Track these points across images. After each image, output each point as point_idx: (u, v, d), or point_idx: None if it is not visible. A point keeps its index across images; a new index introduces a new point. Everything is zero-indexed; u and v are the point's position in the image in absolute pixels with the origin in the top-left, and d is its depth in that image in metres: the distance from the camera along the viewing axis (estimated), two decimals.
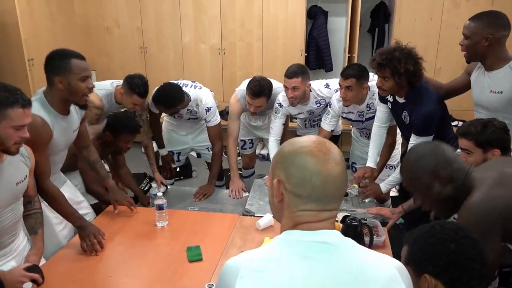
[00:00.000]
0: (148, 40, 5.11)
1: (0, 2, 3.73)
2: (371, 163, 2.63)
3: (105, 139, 2.58)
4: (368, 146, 2.93)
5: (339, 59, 5.23)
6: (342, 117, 2.91)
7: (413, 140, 2.31)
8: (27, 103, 1.55)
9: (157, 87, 2.83)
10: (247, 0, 4.79)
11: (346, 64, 4.64)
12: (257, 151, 4.34)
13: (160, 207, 2.23)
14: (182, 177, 4.48)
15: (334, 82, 2.92)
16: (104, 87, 2.88)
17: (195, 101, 2.92)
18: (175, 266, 1.89)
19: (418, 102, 2.27)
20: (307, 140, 0.95)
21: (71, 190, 2.37)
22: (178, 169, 4.40)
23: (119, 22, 5.09)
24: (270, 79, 2.99)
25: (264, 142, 4.86)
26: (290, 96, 2.77)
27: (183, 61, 5.14)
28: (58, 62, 1.88)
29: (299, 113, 3.03)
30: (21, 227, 1.84)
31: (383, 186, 2.49)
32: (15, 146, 1.57)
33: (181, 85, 2.88)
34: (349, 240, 0.94)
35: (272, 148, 3.00)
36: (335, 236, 0.93)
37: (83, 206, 2.40)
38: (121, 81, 2.83)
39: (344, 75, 2.60)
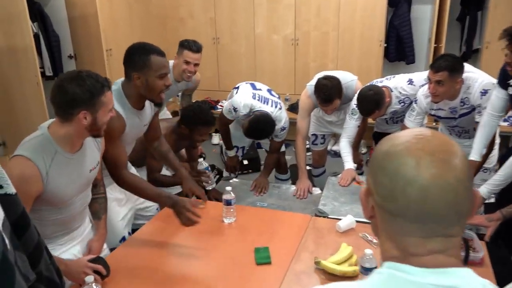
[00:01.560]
0: (221, 31, 5.06)
1: None
2: (475, 155, 2.28)
3: (180, 132, 2.54)
4: (460, 145, 2.62)
5: (422, 50, 4.81)
6: (430, 114, 2.60)
7: None
8: (110, 85, 1.58)
9: (249, 119, 2.65)
10: None
11: (431, 55, 4.24)
12: (328, 147, 4.12)
13: (228, 202, 2.11)
14: (250, 171, 4.38)
15: (418, 77, 2.62)
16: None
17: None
18: (242, 268, 1.76)
19: None
20: (406, 134, 0.70)
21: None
22: (246, 162, 4.32)
23: (193, 13, 5.10)
24: (339, 74, 2.80)
25: (336, 138, 4.65)
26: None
27: (255, 52, 5.02)
28: (137, 58, 1.83)
29: (382, 115, 2.77)
30: (87, 212, 1.83)
31: (484, 189, 2.12)
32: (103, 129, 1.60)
33: (262, 102, 2.73)
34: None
35: (344, 149, 2.78)
36: (463, 278, 0.65)
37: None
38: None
39: (435, 67, 2.29)
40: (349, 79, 2.82)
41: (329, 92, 2.61)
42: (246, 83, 2.97)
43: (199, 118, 2.49)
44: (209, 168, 2.32)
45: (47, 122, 1.58)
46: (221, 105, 4.95)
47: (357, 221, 2.00)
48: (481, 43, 4.39)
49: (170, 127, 2.57)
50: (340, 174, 2.67)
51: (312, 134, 3.24)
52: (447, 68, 2.25)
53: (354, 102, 2.73)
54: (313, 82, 2.85)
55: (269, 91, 2.89)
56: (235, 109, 2.79)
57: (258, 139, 2.70)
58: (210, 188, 2.41)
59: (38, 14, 3.79)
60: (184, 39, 2.93)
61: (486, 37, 4.22)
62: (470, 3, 4.41)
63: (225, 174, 3.33)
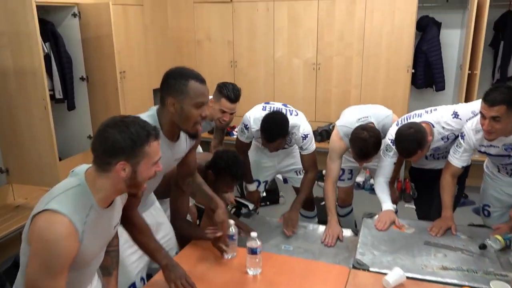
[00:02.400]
0: (239, 54, 4.86)
1: (99, 14, 3.68)
2: None
3: (206, 176, 2.26)
4: (510, 184, 2.33)
5: (451, 77, 4.55)
6: (479, 151, 2.31)
7: None
8: (158, 133, 1.38)
9: (264, 118, 2.47)
10: (348, 10, 4.34)
11: (464, 83, 3.96)
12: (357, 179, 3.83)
13: (254, 251, 1.83)
14: (268, 203, 4.10)
15: (464, 109, 2.32)
16: None
17: (291, 128, 2.53)
18: None
19: None
20: None
21: (158, 212, 2.13)
22: (264, 194, 4.04)
23: (210, 35, 4.92)
24: (371, 110, 2.61)
25: (371, 173, 4.33)
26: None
27: (274, 77, 4.80)
28: (174, 81, 1.63)
29: None
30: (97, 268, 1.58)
31: None
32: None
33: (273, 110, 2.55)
34: None
35: (380, 189, 2.49)
36: None
37: (164, 228, 2.13)
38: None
39: (490, 101, 1.99)
40: (384, 115, 2.57)
41: (366, 150, 2.34)
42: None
43: (230, 170, 2.24)
44: (235, 238, 1.98)
45: (82, 168, 1.37)
46: (236, 131, 4.71)
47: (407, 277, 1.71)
48: None
49: (199, 167, 2.28)
50: (377, 216, 2.37)
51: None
52: (504, 101, 1.97)
53: (388, 137, 2.45)
54: (343, 122, 2.61)
55: (284, 105, 2.69)
56: (246, 126, 2.61)
57: (275, 137, 2.40)
58: (229, 257, 2.00)
59: (50, 34, 3.62)
60: (223, 82, 2.66)
61: None
62: (504, 27, 4.16)
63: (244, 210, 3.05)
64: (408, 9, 4.14)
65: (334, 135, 2.65)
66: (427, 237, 2.17)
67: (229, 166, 2.22)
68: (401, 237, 2.17)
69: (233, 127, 5.00)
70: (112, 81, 3.76)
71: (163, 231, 2.10)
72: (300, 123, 2.57)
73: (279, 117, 2.44)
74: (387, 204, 2.39)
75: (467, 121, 2.26)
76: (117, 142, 1.26)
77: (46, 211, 1.22)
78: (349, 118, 2.59)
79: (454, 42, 4.51)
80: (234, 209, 3.31)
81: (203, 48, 4.97)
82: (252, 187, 2.86)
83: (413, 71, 4.34)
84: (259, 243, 1.85)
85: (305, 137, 2.57)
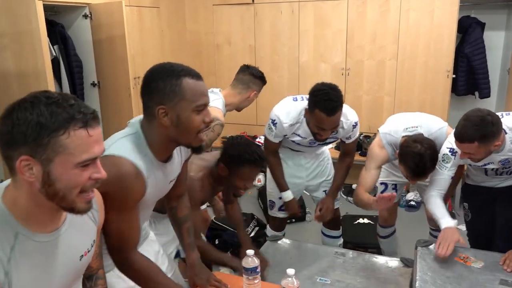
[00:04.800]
0: (261, 59, 4.53)
1: (111, 14, 3.41)
2: None
3: (217, 173, 1.88)
4: None
5: (494, 83, 4.12)
6: None
7: None
8: (90, 119, 0.89)
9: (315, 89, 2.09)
10: (382, 11, 3.97)
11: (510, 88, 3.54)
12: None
13: (251, 271, 1.52)
14: (293, 220, 3.71)
15: None
16: (215, 98, 2.34)
17: None
18: None
19: None
20: None
21: (155, 246, 1.74)
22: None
23: (230, 39, 4.61)
24: (423, 120, 2.25)
25: (408, 187, 3.94)
26: (463, 157, 1.95)
27: (298, 83, 4.45)
28: (162, 84, 1.22)
29: (484, 165, 2.09)
30: None
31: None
32: (82, 199, 0.92)
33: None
34: None
35: (436, 204, 2.09)
36: None
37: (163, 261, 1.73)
38: (216, 89, 2.44)
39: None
40: (437, 127, 2.20)
41: (423, 166, 1.99)
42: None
43: (245, 154, 1.80)
44: (258, 270, 1.61)
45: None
46: (259, 141, 4.36)
47: None
48: None
49: (208, 169, 1.92)
50: (433, 245, 1.96)
51: (381, 183, 2.56)
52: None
53: (446, 145, 2.07)
54: (388, 129, 2.27)
55: None
56: (274, 122, 2.24)
57: (337, 107, 1.98)
58: None
59: (59, 36, 3.36)
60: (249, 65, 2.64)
61: None
62: None
63: (269, 231, 2.69)
64: (448, 8, 3.75)
65: (375, 143, 2.29)
66: (501, 274, 1.75)
67: (243, 151, 1.79)
68: (468, 273, 1.76)
69: (255, 137, 4.67)
70: (125, 87, 3.48)
71: (163, 266, 1.66)
72: (347, 111, 2.21)
73: (333, 85, 2.05)
74: (446, 220, 1.96)
75: None
76: (18, 127, 0.83)
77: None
78: (395, 126, 2.24)
79: (498, 44, 4.10)
80: (256, 228, 2.95)
81: (222, 53, 4.67)
82: (287, 195, 2.44)
83: (453, 76, 3.93)
84: (256, 261, 1.55)
85: (355, 125, 2.28)
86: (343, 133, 2.28)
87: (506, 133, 1.92)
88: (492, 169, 2.12)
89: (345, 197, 4.03)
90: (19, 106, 0.85)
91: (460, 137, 1.85)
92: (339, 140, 2.42)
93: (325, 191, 2.58)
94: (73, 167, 0.87)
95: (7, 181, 0.93)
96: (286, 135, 2.30)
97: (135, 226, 1.32)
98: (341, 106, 2.03)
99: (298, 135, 2.29)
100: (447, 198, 2.37)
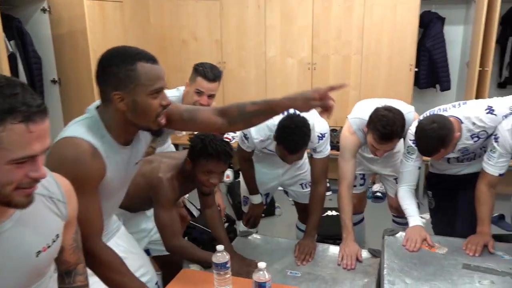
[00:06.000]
0: (228, 54, 4.50)
1: (71, 8, 3.29)
2: None
3: (185, 169, 1.85)
4: None
5: (454, 75, 4.26)
6: None
7: None
8: (34, 112, 0.82)
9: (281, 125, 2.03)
10: (346, 6, 4.02)
11: (474, 81, 3.65)
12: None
13: (221, 266, 1.52)
14: (263, 215, 3.71)
15: (500, 105, 1.98)
16: (171, 95, 2.29)
17: None
18: None
19: None
20: None
21: (127, 240, 1.70)
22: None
23: (196, 34, 4.55)
24: (391, 103, 2.21)
25: (374, 179, 4.01)
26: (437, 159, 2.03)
27: (266, 78, 4.45)
28: (116, 69, 1.20)
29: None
30: None
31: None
32: (21, 193, 0.87)
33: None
34: None
35: (405, 199, 2.15)
36: None
37: (134, 258, 1.68)
38: (182, 87, 2.38)
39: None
40: (407, 110, 2.22)
41: (391, 127, 2.01)
42: None
43: (207, 147, 1.76)
44: (228, 265, 1.58)
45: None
46: (227, 138, 4.33)
47: None
48: None
49: (177, 168, 1.88)
50: (404, 234, 2.01)
51: None
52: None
53: (409, 137, 2.12)
54: (356, 113, 2.27)
55: None
56: (245, 136, 2.21)
57: (300, 146, 1.98)
58: None
59: (16, 31, 3.21)
60: (199, 62, 2.34)
61: None
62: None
63: (241, 227, 2.68)
64: (410, 3, 3.84)
65: (345, 130, 2.30)
66: (464, 258, 1.82)
67: (207, 143, 1.76)
68: (433, 259, 1.81)
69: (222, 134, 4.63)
70: (88, 83, 3.36)
71: (135, 263, 1.62)
72: (314, 120, 2.14)
73: (300, 121, 1.97)
74: (414, 219, 2.04)
75: (503, 117, 1.94)
76: None
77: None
78: (364, 110, 2.22)
79: (457, 38, 4.24)
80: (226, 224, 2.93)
81: (189, 48, 4.60)
82: (256, 199, 2.46)
83: (416, 69, 4.04)
84: (227, 256, 1.54)
85: (321, 136, 2.19)
86: (310, 145, 2.21)
87: (462, 122, 1.99)
88: (454, 157, 2.20)
89: None
90: None
91: (427, 153, 1.97)
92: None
93: (301, 184, 2.58)
94: (6, 163, 0.81)
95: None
96: (257, 148, 2.28)
97: (97, 212, 1.28)
98: (305, 145, 2.02)
99: (270, 151, 2.27)
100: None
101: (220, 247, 1.58)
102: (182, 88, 2.39)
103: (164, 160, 1.89)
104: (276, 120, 2.12)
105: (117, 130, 1.28)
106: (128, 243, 1.69)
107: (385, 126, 2.00)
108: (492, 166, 1.96)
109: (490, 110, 1.97)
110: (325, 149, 2.23)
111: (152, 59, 1.24)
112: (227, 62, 4.51)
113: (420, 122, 1.99)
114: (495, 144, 1.95)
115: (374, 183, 4.10)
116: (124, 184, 1.44)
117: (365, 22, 4.01)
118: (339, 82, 4.41)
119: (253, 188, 2.45)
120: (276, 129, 2.01)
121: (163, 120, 1.29)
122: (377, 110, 2.08)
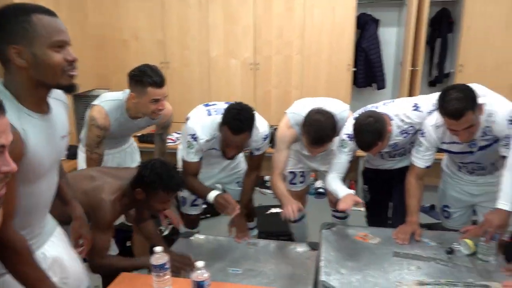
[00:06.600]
0: (170, 55, 4.45)
1: (2, 2, 3.10)
2: (505, 202, 1.80)
3: (133, 197, 1.80)
4: (472, 183, 2.22)
5: (389, 75, 4.49)
6: (441, 149, 2.12)
7: None
8: None
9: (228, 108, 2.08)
10: (287, 7, 4.11)
11: (405, 80, 3.87)
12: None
13: (160, 267, 1.51)
14: (208, 215, 3.71)
15: (424, 102, 2.12)
16: (112, 98, 2.25)
17: None
18: None
19: None
20: None
21: (62, 244, 1.58)
22: (204, 206, 3.66)
23: (137, 34, 4.46)
24: (327, 102, 2.32)
25: (316, 176, 4.11)
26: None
27: (209, 78, 4.44)
28: (9, 22, 1.13)
29: None
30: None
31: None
32: None
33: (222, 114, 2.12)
34: None
35: (332, 183, 2.25)
36: None
37: (68, 264, 1.57)
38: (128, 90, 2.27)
39: (454, 114, 1.80)
40: (341, 109, 2.32)
41: (322, 133, 2.09)
42: (197, 107, 2.32)
43: (162, 181, 1.75)
44: (167, 266, 1.56)
45: None
46: (171, 139, 4.27)
47: None
48: (453, 66, 4.12)
49: (122, 191, 1.81)
50: (336, 228, 2.09)
51: (290, 172, 2.66)
52: (467, 108, 1.77)
53: (344, 131, 2.22)
54: (295, 109, 2.33)
55: (227, 103, 2.20)
56: (194, 137, 2.15)
57: (244, 127, 2.02)
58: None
59: None
60: (135, 70, 2.22)
61: (459, 60, 3.95)
62: (441, 25, 4.15)
63: (183, 230, 2.66)
64: (347, 5, 3.99)
65: (283, 124, 2.37)
66: (394, 247, 1.93)
67: (159, 177, 1.75)
68: (366, 250, 1.91)
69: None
70: None
71: (69, 268, 1.52)
72: (257, 123, 2.17)
73: (247, 106, 2.07)
74: (343, 190, 2.15)
75: (428, 113, 2.07)
76: None
77: None
78: (302, 107, 2.30)
79: (391, 40, 4.46)
80: (169, 229, 2.90)
81: (129, 48, 4.49)
82: (212, 194, 2.22)
83: (354, 69, 4.20)
84: (166, 257, 1.53)
85: (265, 137, 2.28)
86: (254, 144, 2.28)
87: (392, 119, 2.11)
88: (386, 152, 2.32)
89: (258, 188, 4.12)
90: None
91: (366, 147, 2.04)
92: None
93: (238, 182, 2.61)
94: None
95: None
96: (203, 150, 2.24)
97: (11, 192, 1.14)
98: (249, 129, 2.05)
99: (214, 149, 2.28)
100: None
101: (158, 249, 1.57)
102: (127, 91, 2.29)
103: (108, 180, 1.83)
104: (215, 121, 2.14)
105: (26, 95, 1.19)
106: (64, 244, 1.62)
107: (316, 131, 2.08)
108: (420, 159, 2.10)
109: (416, 107, 2.11)
110: (263, 148, 2.33)
111: (49, 12, 1.18)
112: (170, 62, 4.46)
113: (357, 118, 2.09)
114: (421, 139, 2.08)
115: (316, 179, 4.22)
116: (54, 162, 1.35)
117: (306, 22, 4.11)
118: (281, 82, 4.48)
119: (205, 191, 2.26)
120: (223, 114, 2.06)
121: (72, 74, 1.21)
122: (310, 114, 2.15)
